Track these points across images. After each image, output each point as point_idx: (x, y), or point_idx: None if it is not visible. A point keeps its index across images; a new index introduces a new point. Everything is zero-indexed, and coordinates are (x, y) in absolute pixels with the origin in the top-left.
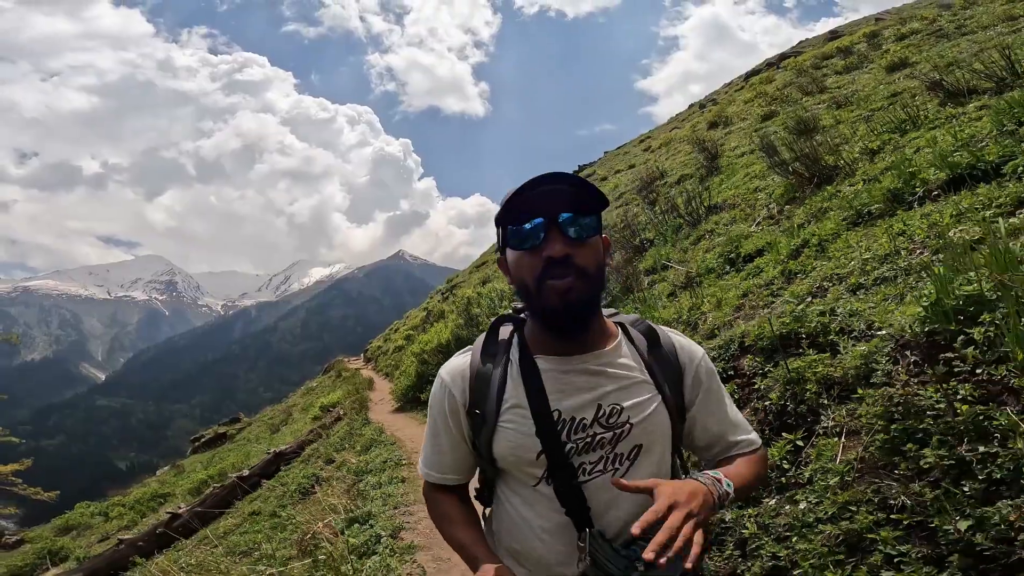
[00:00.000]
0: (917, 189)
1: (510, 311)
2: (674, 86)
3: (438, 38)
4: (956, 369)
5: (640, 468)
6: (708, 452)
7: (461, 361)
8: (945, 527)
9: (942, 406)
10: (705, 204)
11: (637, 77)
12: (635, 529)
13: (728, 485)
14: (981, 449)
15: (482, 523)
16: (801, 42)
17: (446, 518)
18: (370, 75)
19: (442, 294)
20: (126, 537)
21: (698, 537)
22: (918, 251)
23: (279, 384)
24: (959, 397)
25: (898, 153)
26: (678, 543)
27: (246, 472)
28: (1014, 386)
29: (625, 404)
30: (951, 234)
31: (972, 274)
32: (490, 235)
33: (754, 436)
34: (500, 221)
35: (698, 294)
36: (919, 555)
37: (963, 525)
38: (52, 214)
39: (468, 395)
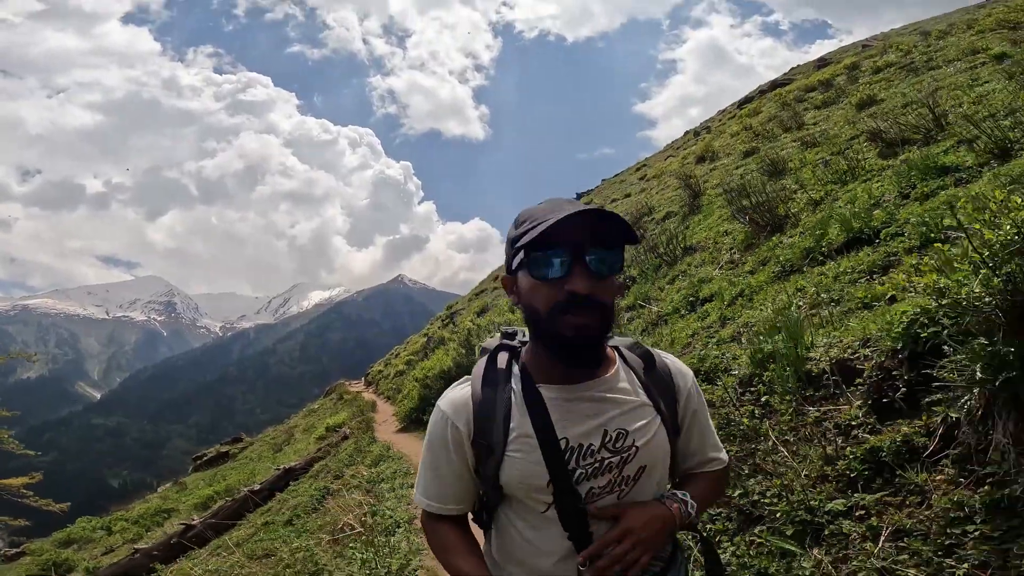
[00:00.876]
0: (824, 248)
1: (499, 335)
2: (672, 110)
3: (439, 61)
4: (752, 396)
5: (642, 487)
6: (683, 465)
7: (461, 393)
8: (732, 494)
9: (739, 420)
10: (682, 245)
11: (636, 101)
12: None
13: (692, 507)
14: (751, 446)
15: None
16: (793, 68)
17: (447, 548)
18: (372, 97)
19: (442, 321)
20: (141, 547)
21: (644, 559)
22: (804, 307)
23: (277, 406)
24: (747, 414)
25: (830, 207)
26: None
27: (257, 486)
28: (775, 407)
29: (630, 428)
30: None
31: (775, 337)
32: (489, 260)
33: (724, 455)
34: (519, 244)
35: (659, 333)
36: (722, 514)
37: (736, 493)
38: (53, 232)
39: (472, 426)
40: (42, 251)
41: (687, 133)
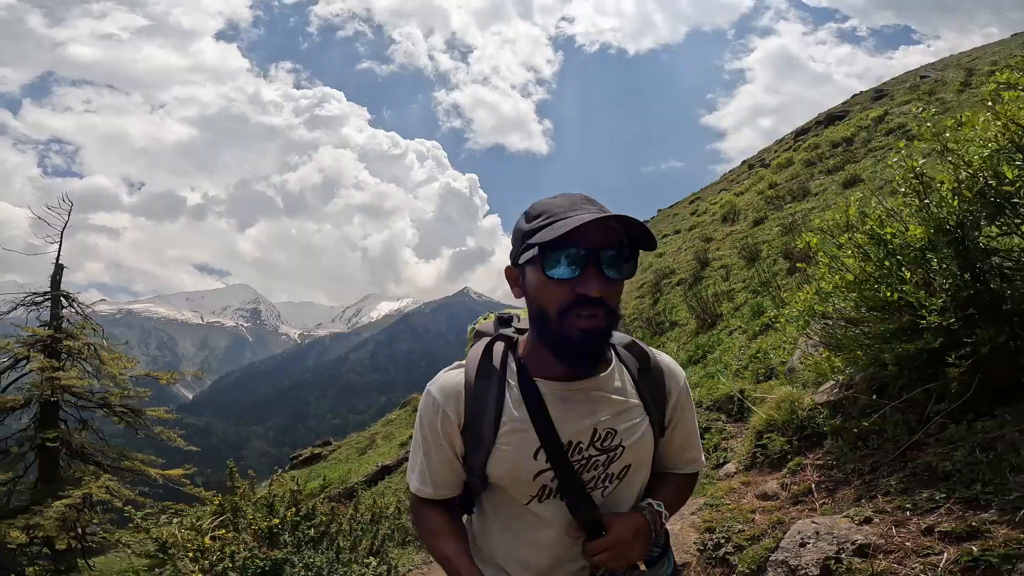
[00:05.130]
0: (696, 357)
1: (493, 317)
2: (742, 120)
3: (501, 76)
4: None
5: (627, 485)
6: (662, 463)
7: (454, 380)
8: None
9: None
10: (670, 319)
11: (703, 112)
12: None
13: (666, 517)
14: None
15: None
16: (855, 95)
17: (433, 532)
18: (437, 112)
19: None
20: None
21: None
22: None
23: (346, 412)
24: None
25: (729, 321)
26: None
27: (363, 479)
28: None
29: (619, 428)
30: None
31: None
32: None
33: (703, 458)
34: (530, 237)
35: None
36: None
37: None
38: (154, 241)
39: (463, 416)
40: (144, 259)
41: (743, 163)
